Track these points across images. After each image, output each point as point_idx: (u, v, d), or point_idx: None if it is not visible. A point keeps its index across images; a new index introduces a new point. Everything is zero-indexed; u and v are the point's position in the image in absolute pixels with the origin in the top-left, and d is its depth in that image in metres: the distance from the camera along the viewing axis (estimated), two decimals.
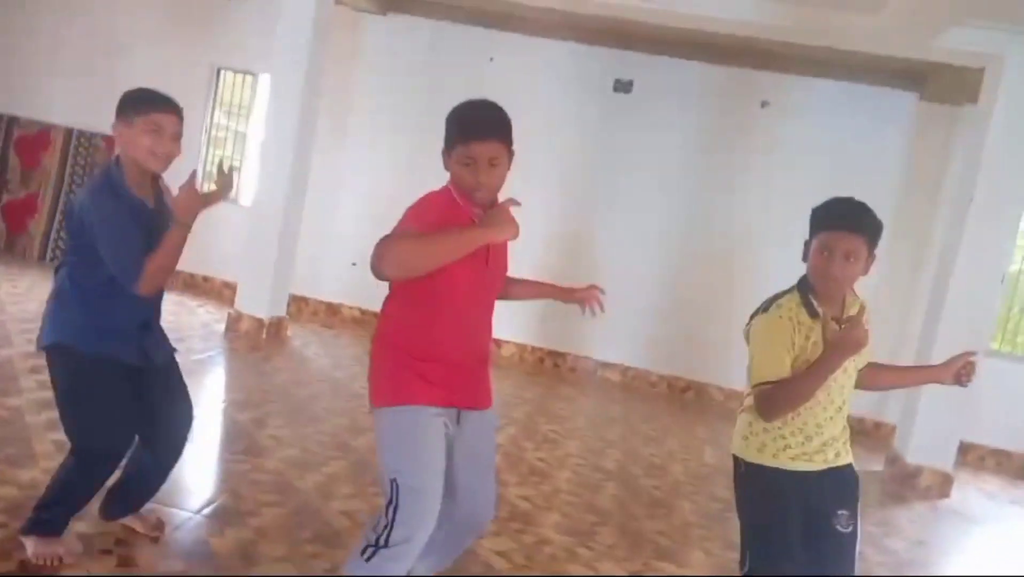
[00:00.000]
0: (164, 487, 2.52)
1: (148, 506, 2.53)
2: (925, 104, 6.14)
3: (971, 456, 6.02)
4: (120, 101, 2.22)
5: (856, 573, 2.09)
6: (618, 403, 5.84)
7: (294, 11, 5.40)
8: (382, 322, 2.09)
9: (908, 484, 4.92)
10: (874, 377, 2.25)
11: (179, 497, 2.79)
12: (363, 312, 6.92)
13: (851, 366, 2.11)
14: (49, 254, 7.07)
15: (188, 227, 2.18)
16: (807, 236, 2.10)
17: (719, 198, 6.46)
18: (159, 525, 2.52)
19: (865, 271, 2.08)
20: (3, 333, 4.54)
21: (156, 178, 2.32)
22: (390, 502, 1.89)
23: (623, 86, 6.49)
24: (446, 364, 2.00)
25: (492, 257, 2.04)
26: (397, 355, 2.01)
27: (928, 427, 4.95)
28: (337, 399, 4.60)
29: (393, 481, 1.90)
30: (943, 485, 4.92)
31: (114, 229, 2.12)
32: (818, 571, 2.07)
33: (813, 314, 2.06)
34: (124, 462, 2.38)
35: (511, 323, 6.30)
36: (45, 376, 3.29)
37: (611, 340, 6.52)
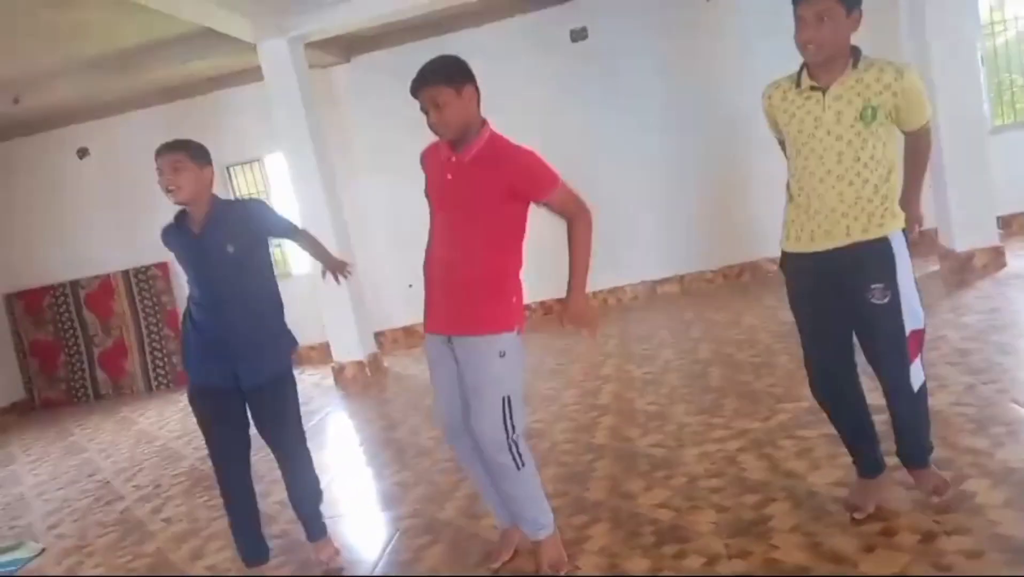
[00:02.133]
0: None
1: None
2: None
3: (1015, 225, 6.42)
4: None
5: (904, 336, 2.24)
6: (687, 308, 6.35)
7: (281, 90, 5.93)
8: None
9: (966, 269, 5.38)
10: (907, 154, 2.33)
11: (352, 567, 2.89)
12: None
13: (848, 133, 2.15)
14: (153, 384, 7.80)
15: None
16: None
17: (698, 95, 6.85)
18: (332, 557, 2.94)
19: (852, 28, 2.11)
20: (173, 452, 5.22)
21: (212, 204, 2.68)
22: None
23: (578, 34, 6.94)
24: (428, 293, 2.48)
25: (454, 189, 2.37)
26: None
27: (963, 214, 5.39)
28: None
29: None
30: (996, 258, 5.37)
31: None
32: (868, 343, 2.28)
33: (798, 85, 2.24)
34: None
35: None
36: (168, 512, 3.95)
37: (656, 258, 7.03)
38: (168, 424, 6.10)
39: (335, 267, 3.13)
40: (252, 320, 2.69)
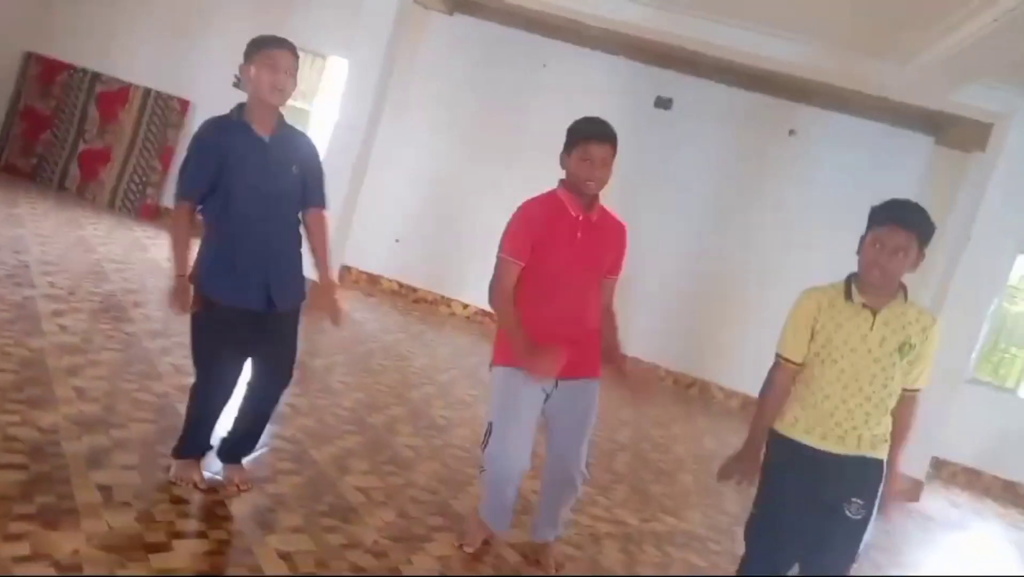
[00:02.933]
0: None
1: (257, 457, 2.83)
2: (940, 148, 6.68)
3: (944, 472, 6.58)
4: (246, 48, 2.50)
5: (857, 555, 2.23)
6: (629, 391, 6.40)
7: (377, 8, 5.94)
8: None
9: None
10: (895, 415, 2.31)
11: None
12: (401, 285, 7.50)
13: (886, 360, 2.20)
14: (118, 203, 7.66)
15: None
16: (863, 233, 2.24)
17: (741, 214, 7.00)
18: (244, 483, 2.70)
19: (913, 267, 2.19)
20: (101, 272, 5.13)
21: (279, 117, 2.53)
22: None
23: (663, 103, 7.04)
24: (546, 338, 2.49)
25: (584, 247, 2.55)
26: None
27: None
28: (387, 358, 5.18)
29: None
30: (913, 490, 5.48)
31: (190, 153, 2.47)
32: (822, 549, 2.23)
33: (848, 297, 2.23)
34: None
35: None
36: (67, 320, 3.86)
37: (626, 334, 7.07)
38: (112, 245, 6.00)
39: (326, 298, 2.68)
40: (291, 245, 2.60)
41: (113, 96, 7.69)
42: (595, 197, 2.60)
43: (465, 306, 7.39)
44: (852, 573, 2.27)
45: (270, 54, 2.44)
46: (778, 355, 2.34)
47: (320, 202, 2.67)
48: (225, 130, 2.48)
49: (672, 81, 6.99)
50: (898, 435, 2.31)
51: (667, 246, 7.05)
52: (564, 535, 3.09)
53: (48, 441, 2.64)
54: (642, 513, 3.64)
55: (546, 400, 2.62)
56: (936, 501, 5.69)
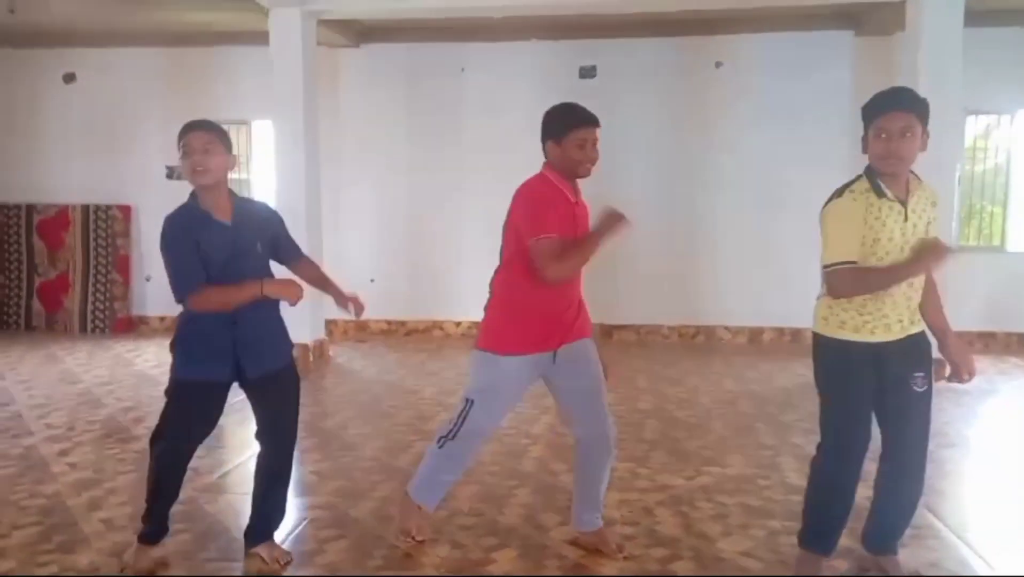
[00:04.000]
0: (231, 543, 2.80)
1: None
2: (862, 39, 6.75)
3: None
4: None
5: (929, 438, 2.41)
6: (638, 357, 6.41)
7: (284, 59, 5.90)
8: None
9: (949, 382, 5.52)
10: (925, 297, 2.41)
11: (244, 548, 2.77)
12: (389, 323, 7.46)
13: (916, 242, 2.31)
14: (89, 325, 7.56)
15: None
16: (862, 132, 2.32)
17: (692, 157, 7.04)
18: (283, 556, 2.72)
19: (923, 148, 2.28)
20: (93, 398, 5.06)
21: (230, 195, 2.58)
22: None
23: (587, 72, 7.06)
24: (543, 319, 2.64)
25: (577, 226, 2.65)
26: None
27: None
28: (395, 397, 5.15)
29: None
30: (938, 370, 5.52)
31: (173, 252, 2.49)
32: (901, 427, 2.40)
33: (881, 195, 2.29)
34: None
35: None
36: (74, 456, 3.84)
37: (621, 304, 7.10)
38: (96, 369, 5.92)
39: (346, 300, 2.79)
40: (266, 317, 2.62)
41: (53, 222, 7.60)
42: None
43: (457, 324, 7.37)
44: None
45: (184, 141, 2.50)
46: (837, 264, 2.31)
47: (297, 255, 2.79)
48: (191, 220, 2.53)
49: (591, 49, 7.02)
50: (933, 303, 2.45)
51: (633, 209, 7.04)
52: (610, 516, 3.09)
53: None
54: (685, 472, 3.64)
55: (550, 380, 2.72)
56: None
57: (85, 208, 7.55)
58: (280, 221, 2.76)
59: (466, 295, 7.22)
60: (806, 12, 6.48)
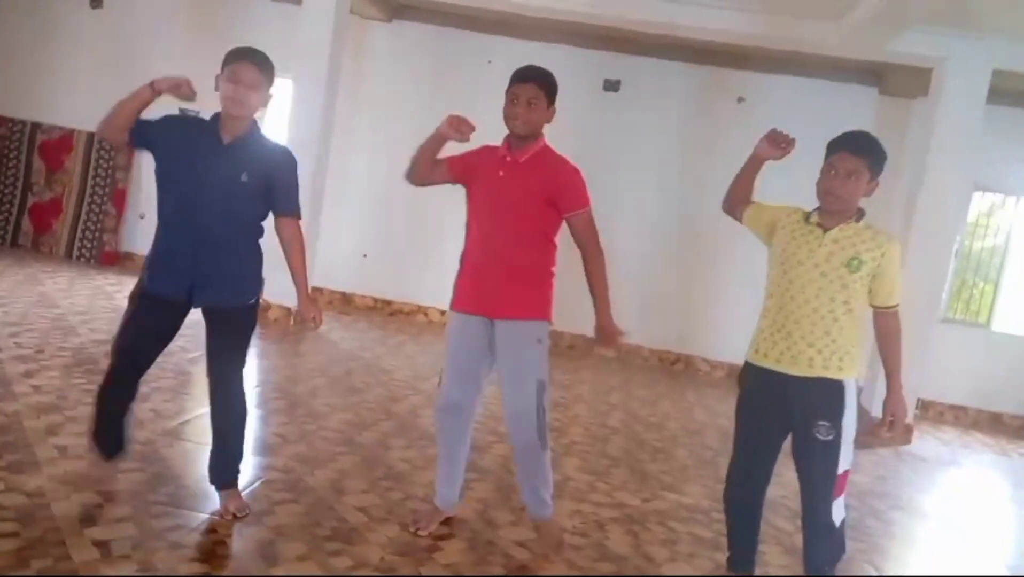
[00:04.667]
0: (180, 490, 2.80)
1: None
2: (884, 97, 6.81)
3: (932, 412, 6.73)
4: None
5: (837, 474, 2.39)
6: (616, 374, 6.44)
7: (314, 21, 5.89)
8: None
9: (874, 434, 5.56)
10: (880, 336, 2.47)
11: (195, 500, 2.78)
12: (375, 300, 7.45)
13: (832, 273, 2.34)
14: (75, 253, 7.50)
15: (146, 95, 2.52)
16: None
17: (701, 187, 7.06)
18: (239, 509, 2.70)
19: (867, 193, 2.37)
20: (68, 325, 5.03)
21: (251, 126, 2.59)
22: None
23: (612, 85, 7.08)
24: (468, 277, 2.70)
25: (503, 185, 2.61)
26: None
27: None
28: (369, 375, 5.14)
29: None
30: (904, 435, 5.60)
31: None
32: (804, 471, 2.43)
33: (807, 219, 2.46)
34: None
35: None
36: (39, 379, 3.81)
37: None
38: (75, 297, 5.87)
39: (308, 311, 2.73)
40: (228, 247, 2.60)
41: (56, 144, 7.53)
42: (525, 138, 2.63)
43: (442, 313, 7.36)
44: (841, 493, 2.44)
45: (233, 67, 2.52)
46: (753, 203, 2.76)
47: (286, 210, 2.68)
48: (193, 124, 2.64)
49: (618, 63, 7.04)
50: (889, 349, 2.46)
51: (635, 227, 7.09)
52: (561, 524, 3.11)
53: (37, 505, 2.57)
54: (642, 493, 3.66)
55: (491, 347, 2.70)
56: (926, 441, 5.81)
57: (90, 135, 7.47)
58: (284, 166, 2.66)
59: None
60: (833, 63, 6.53)
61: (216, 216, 2.56)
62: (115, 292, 6.31)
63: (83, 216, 7.53)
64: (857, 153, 2.35)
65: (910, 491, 4.56)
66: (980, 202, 6.91)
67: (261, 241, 2.72)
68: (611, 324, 2.68)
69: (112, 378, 2.70)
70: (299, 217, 2.72)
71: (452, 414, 2.79)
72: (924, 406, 6.62)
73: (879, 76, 6.71)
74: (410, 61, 7.22)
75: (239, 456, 2.80)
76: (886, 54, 5.71)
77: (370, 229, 7.37)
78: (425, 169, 2.74)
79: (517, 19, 6.61)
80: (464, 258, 2.76)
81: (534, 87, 2.59)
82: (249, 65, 2.52)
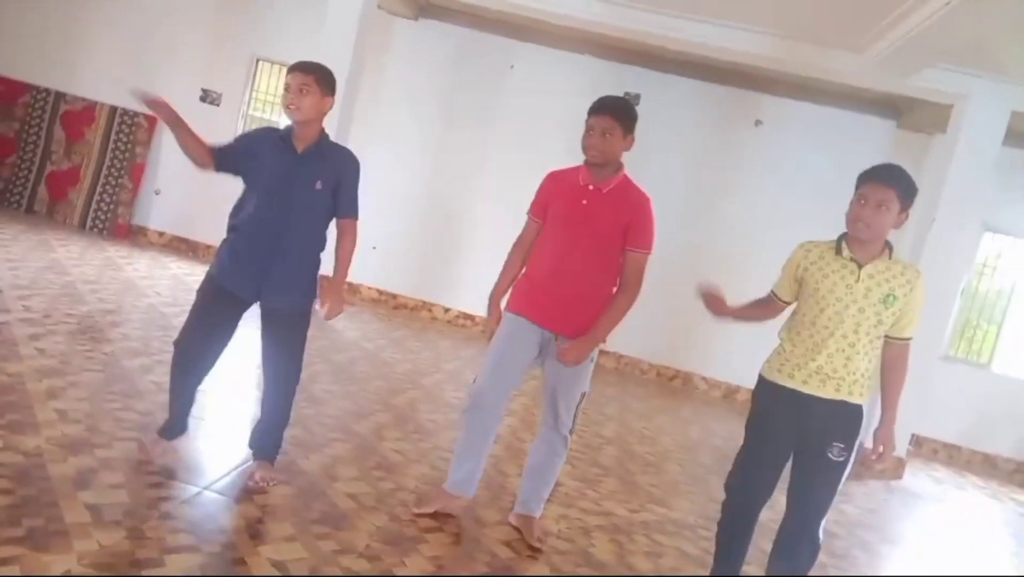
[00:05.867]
0: (175, 462, 2.86)
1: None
2: (902, 131, 6.82)
3: (926, 448, 6.72)
4: None
5: (837, 493, 2.49)
6: (613, 386, 6.46)
7: (341, 14, 5.94)
8: None
9: (866, 466, 5.59)
10: (888, 366, 2.51)
11: (189, 473, 2.83)
12: (380, 292, 7.49)
13: (869, 309, 2.39)
14: (89, 223, 7.57)
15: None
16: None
17: (712, 206, 7.10)
18: (266, 479, 2.89)
19: (897, 225, 2.40)
20: (76, 293, 5.08)
21: (320, 133, 2.75)
22: None
23: (631, 98, 7.10)
24: (536, 290, 2.81)
25: (587, 213, 2.73)
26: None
27: None
28: (370, 365, 5.18)
29: None
30: (896, 468, 5.60)
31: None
32: (801, 484, 2.49)
33: (839, 252, 2.45)
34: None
35: None
36: (44, 343, 3.85)
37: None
38: (85, 267, 5.93)
39: (329, 294, 2.82)
40: (298, 254, 2.77)
41: (79, 115, 7.61)
42: (607, 168, 2.76)
43: (447, 310, 7.41)
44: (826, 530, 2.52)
45: (286, 80, 2.71)
46: (772, 291, 2.72)
47: (347, 213, 2.82)
48: (269, 136, 2.79)
49: (639, 77, 7.07)
50: (893, 381, 2.52)
51: None
52: (547, 528, 3.13)
53: (33, 464, 2.61)
54: (631, 504, 3.68)
55: (537, 357, 2.86)
56: (918, 478, 5.81)
57: (113, 109, 7.56)
58: (350, 170, 2.81)
59: (463, 285, 7.27)
60: (853, 92, 6.55)
61: (292, 223, 2.73)
62: (125, 264, 6.37)
63: (99, 188, 7.60)
64: (888, 183, 2.38)
65: (901, 526, 4.57)
66: (990, 243, 6.92)
67: (324, 242, 2.86)
68: (586, 350, 2.76)
69: (177, 367, 2.85)
70: (357, 218, 2.85)
71: (486, 413, 2.86)
72: (918, 442, 6.62)
73: (898, 109, 6.74)
74: (433, 60, 7.27)
75: (281, 437, 3.01)
76: (907, 88, 5.74)
77: (382, 222, 7.38)
78: (514, 269, 2.99)
79: (541, 25, 6.66)
80: (533, 267, 2.87)
81: (609, 119, 2.68)
82: (295, 73, 2.68)
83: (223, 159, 2.73)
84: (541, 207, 2.88)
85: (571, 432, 2.91)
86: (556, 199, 2.82)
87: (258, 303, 2.82)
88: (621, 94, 7.07)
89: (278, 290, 2.77)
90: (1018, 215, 6.68)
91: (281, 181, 2.70)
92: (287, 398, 2.93)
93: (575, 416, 2.88)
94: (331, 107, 2.75)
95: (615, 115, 2.69)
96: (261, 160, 2.71)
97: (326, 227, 2.84)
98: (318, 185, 2.72)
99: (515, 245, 2.97)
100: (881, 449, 2.47)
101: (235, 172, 2.76)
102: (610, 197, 2.74)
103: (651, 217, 2.77)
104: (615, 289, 2.82)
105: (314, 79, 2.68)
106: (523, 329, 2.81)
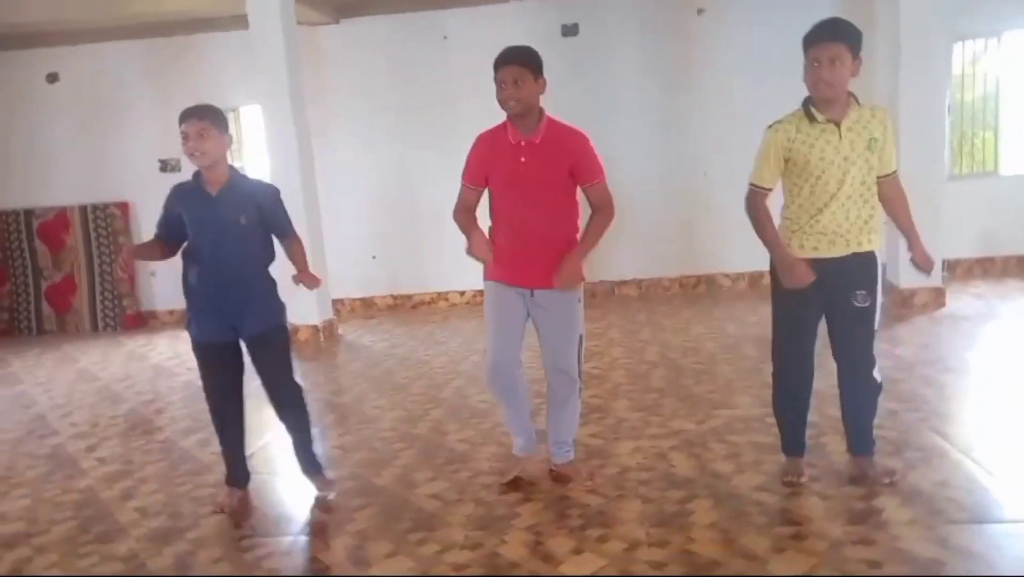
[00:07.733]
0: (262, 520, 3.01)
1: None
2: None
3: (959, 270, 6.72)
4: None
5: (874, 334, 2.68)
6: (641, 311, 6.49)
7: (265, 40, 5.86)
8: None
9: (907, 305, 5.63)
10: (888, 201, 2.66)
11: (277, 527, 2.93)
12: (395, 298, 7.54)
13: (859, 160, 2.51)
14: (100, 324, 7.65)
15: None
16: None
17: (678, 106, 7.01)
18: (326, 486, 3.17)
19: (854, 73, 2.48)
20: (113, 394, 5.17)
21: (229, 171, 2.89)
22: None
23: (570, 30, 7.01)
24: (506, 254, 2.85)
25: (528, 169, 2.76)
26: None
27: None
28: (408, 369, 5.24)
29: None
30: (936, 298, 5.63)
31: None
32: (844, 337, 2.68)
33: (812, 119, 2.53)
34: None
35: None
36: (102, 451, 3.95)
37: (620, 260, 7.14)
38: (111, 366, 6.02)
39: (307, 278, 3.03)
40: (249, 280, 2.93)
41: (53, 224, 7.63)
42: (530, 117, 2.77)
43: (462, 293, 7.44)
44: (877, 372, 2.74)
45: (182, 128, 2.81)
46: (753, 184, 2.70)
47: (284, 233, 3.04)
48: (182, 191, 2.92)
49: (572, 7, 6.96)
50: (899, 209, 2.68)
51: (623, 164, 7.05)
52: (625, 464, 3.20)
53: (132, 568, 2.71)
54: (695, 416, 3.74)
55: (528, 314, 2.93)
56: (960, 300, 5.83)
57: (83, 208, 7.57)
58: (268, 195, 2.98)
59: (468, 264, 7.26)
60: None
61: (231, 258, 2.89)
62: (148, 352, 6.45)
63: (97, 287, 7.66)
64: (835, 39, 2.45)
65: (956, 351, 4.60)
66: (962, 53, 6.80)
67: (271, 268, 3.04)
68: (578, 263, 2.82)
69: (219, 416, 3.08)
70: (294, 233, 3.07)
71: (503, 373, 2.95)
72: (950, 266, 6.61)
73: None
74: (368, 55, 7.17)
75: (312, 444, 3.19)
76: None
77: (373, 230, 7.42)
78: (472, 221, 2.95)
79: None
80: (494, 236, 2.92)
81: (515, 67, 2.70)
82: (191, 120, 2.78)
83: (167, 237, 2.95)
84: (476, 173, 2.90)
85: (580, 376, 2.97)
86: (494, 166, 2.85)
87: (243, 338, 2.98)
88: (559, 28, 6.99)
89: (249, 318, 2.93)
90: (982, 16, 6.54)
91: (207, 226, 2.84)
92: (302, 413, 3.12)
93: (579, 359, 2.95)
94: (231, 143, 2.92)
95: (520, 62, 2.71)
96: (186, 215, 2.87)
97: (268, 245, 3.01)
98: (242, 220, 2.85)
99: (457, 213, 2.97)
100: (919, 263, 2.66)
101: (183, 238, 2.94)
102: (544, 146, 2.77)
103: (591, 149, 2.81)
104: (579, 222, 2.89)
105: (209, 122, 2.79)
106: (506, 292, 2.90)
